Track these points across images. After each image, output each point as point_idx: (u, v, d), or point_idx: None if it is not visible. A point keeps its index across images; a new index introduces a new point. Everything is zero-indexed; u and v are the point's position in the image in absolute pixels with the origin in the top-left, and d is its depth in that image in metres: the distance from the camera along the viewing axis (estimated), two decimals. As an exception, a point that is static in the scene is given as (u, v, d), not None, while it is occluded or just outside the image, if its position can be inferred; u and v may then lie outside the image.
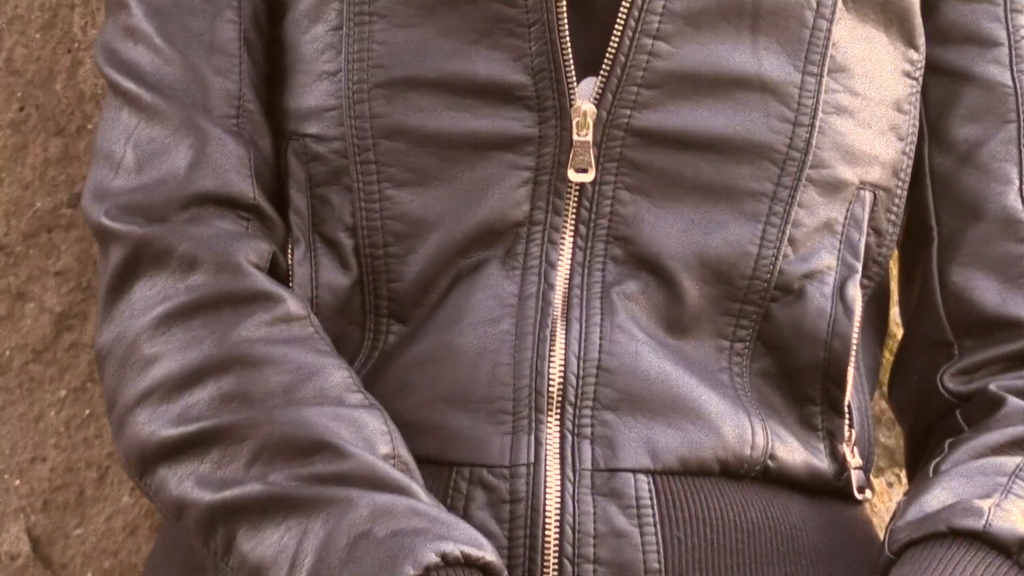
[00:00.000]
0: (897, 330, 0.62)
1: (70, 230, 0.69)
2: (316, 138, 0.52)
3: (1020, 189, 0.55)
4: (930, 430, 0.56)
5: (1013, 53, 0.56)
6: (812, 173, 0.51)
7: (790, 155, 0.50)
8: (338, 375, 0.49)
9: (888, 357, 0.61)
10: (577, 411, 0.49)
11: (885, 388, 0.61)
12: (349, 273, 0.52)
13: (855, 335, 0.52)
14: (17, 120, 0.69)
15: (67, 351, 0.70)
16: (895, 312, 0.62)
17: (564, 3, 0.48)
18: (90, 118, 0.68)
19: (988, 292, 0.54)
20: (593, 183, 0.50)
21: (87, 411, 0.69)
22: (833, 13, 0.50)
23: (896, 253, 0.59)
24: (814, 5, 0.50)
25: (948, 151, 0.56)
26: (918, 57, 0.55)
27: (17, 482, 0.69)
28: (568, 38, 0.48)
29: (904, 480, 0.63)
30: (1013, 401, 0.52)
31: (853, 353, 0.52)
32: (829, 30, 0.50)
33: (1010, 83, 0.55)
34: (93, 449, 0.70)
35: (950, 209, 0.56)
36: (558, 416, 0.49)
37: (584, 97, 0.49)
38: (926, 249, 0.56)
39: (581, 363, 0.50)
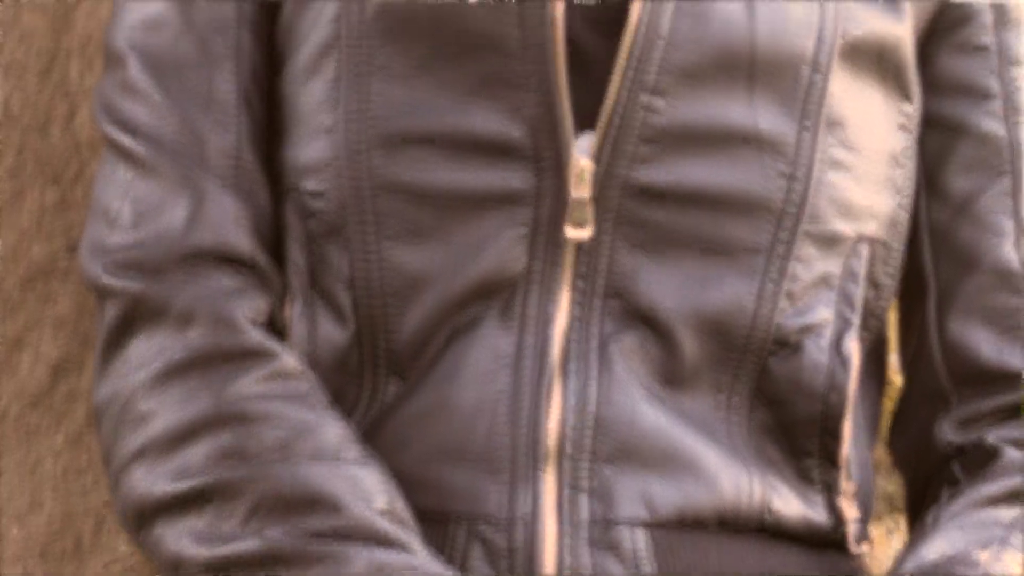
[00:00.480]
0: (897, 378, 0.62)
1: (67, 277, 0.69)
2: (314, 193, 0.52)
3: (1016, 241, 0.55)
4: (929, 480, 0.56)
5: (1007, 105, 0.56)
6: (809, 227, 0.51)
7: (786, 210, 0.51)
8: (335, 430, 0.49)
9: (889, 405, 0.61)
10: (574, 464, 0.49)
11: (887, 433, 0.62)
12: (347, 328, 0.52)
13: (853, 388, 0.52)
14: (14, 167, 0.69)
15: (64, 399, 0.70)
16: (896, 359, 0.62)
17: (562, 58, 0.48)
18: (87, 165, 0.68)
19: (985, 344, 0.55)
20: (591, 238, 0.50)
21: (84, 459, 0.69)
22: (829, 67, 0.51)
23: (895, 303, 0.59)
24: (809, 59, 0.50)
25: (944, 203, 0.56)
26: (913, 110, 0.55)
27: (15, 530, 0.69)
28: (566, 93, 0.48)
29: (903, 527, 0.63)
30: (1010, 452, 0.53)
31: (851, 406, 0.52)
32: (825, 84, 0.51)
33: (1004, 135, 0.56)
34: (90, 497, 0.69)
35: (946, 261, 0.56)
36: (555, 469, 0.49)
37: (581, 152, 0.49)
38: (923, 301, 0.57)
39: (578, 417, 0.50)
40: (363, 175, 0.50)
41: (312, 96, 0.52)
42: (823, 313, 0.52)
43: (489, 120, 0.49)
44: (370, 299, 0.51)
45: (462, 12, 0.49)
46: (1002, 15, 0.56)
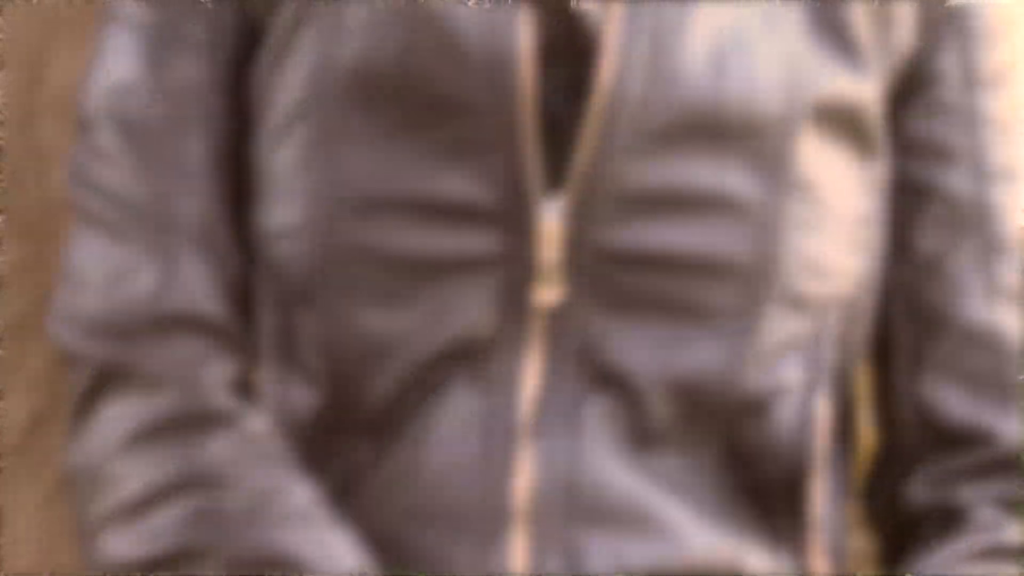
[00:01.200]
0: (871, 436, 0.62)
1: (40, 335, 0.68)
2: (285, 258, 0.52)
3: (984, 301, 0.55)
4: (902, 538, 0.56)
5: (975, 165, 0.56)
6: (778, 289, 0.51)
7: (755, 272, 0.51)
8: (303, 493, 0.49)
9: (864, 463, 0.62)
10: (544, 526, 0.49)
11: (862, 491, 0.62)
12: (318, 391, 0.52)
13: (822, 448, 0.53)
14: (-12, 224, 0.69)
15: (37, 457, 0.69)
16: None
17: (531, 121, 0.48)
18: (61, 222, 0.69)
19: (955, 403, 0.55)
20: (560, 302, 0.50)
21: (57, 518, 0.69)
22: (796, 129, 0.51)
23: (866, 363, 0.59)
24: (777, 121, 0.51)
25: (912, 264, 0.56)
26: (881, 171, 0.55)
27: (-16, 590, 0.68)
28: (535, 157, 0.49)
29: (878, 584, 0.63)
30: (982, 511, 0.53)
31: (821, 465, 0.53)
32: (793, 146, 0.51)
33: (973, 195, 0.56)
34: (62, 556, 0.69)
35: (915, 321, 0.56)
36: (525, 531, 0.49)
37: (551, 216, 0.49)
38: (891, 361, 0.57)
39: (548, 479, 0.50)
40: (333, 241, 0.51)
41: (283, 160, 0.52)
42: (792, 374, 0.52)
43: (458, 184, 0.49)
44: (340, 363, 0.51)
45: (432, 77, 0.49)
46: (971, 74, 0.56)
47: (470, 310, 0.50)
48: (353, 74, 0.50)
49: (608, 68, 0.49)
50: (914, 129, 0.56)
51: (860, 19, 0.53)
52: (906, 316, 0.56)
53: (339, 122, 0.51)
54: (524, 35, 0.48)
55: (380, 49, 0.50)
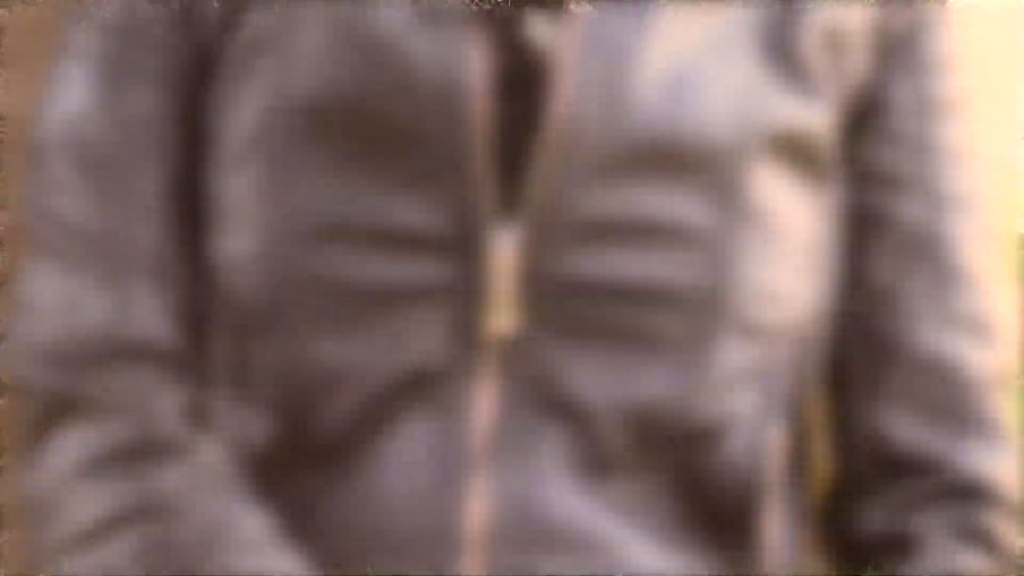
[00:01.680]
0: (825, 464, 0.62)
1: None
2: (239, 287, 0.52)
3: (936, 330, 0.56)
4: (857, 565, 0.56)
5: (928, 193, 0.56)
6: (732, 318, 0.51)
7: (709, 301, 0.51)
8: (256, 523, 0.49)
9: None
10: (498, 555, 0.50)
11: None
12: (272, 421, 0.52)
13: (777, 476, 0.53)
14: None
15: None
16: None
17: (485, 151, 0.49)
18: (13, 253, 0.68)
19: (907, 431, 0.55)
20: (514, 331, 0.50)
21: None
22: (749, 159, 0.51)
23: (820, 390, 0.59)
24: (730, 151, 0.51)
25: (865, 292, 0.56)
26: (835, 199, 0.55)
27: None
28: (488, 186, 0.49)
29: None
30: (934, 539, 0.53)
31: (775, 493, 0.53)
32: (745, 176, 0.51)
33: (925, 224, 0.56)
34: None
35: (867, 350, 0.56)
36: (477, 560, 0.49)
37: (504, 246, 0.49)
38: (845, 389, 0.57)
39: (501, 508, 0.50)
40: (288, 270, 0.51)
41: (237, 189, 0.52)
42: (746, 402, 0.53)
43: (411, 214, 0.50)
44: (294, 393, 0.51)
45: (384, 108, 0.50)
46: (924, 103, 0.57)
47: (423, 340, 0.50)
48: (306, 104, 0.51)
49: (562, 97, 0.49)
50: (867, 157, 0.56)
51: (812, 48, 0.53)
52: (859, 344, 0.56)
53: (293, 152, 0.51)
54: (476, 64, 0.49)
55: (332, 80, 0.50)
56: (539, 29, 0.50)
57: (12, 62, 0.72)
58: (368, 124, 0.50)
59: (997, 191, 0.59)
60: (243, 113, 0.52)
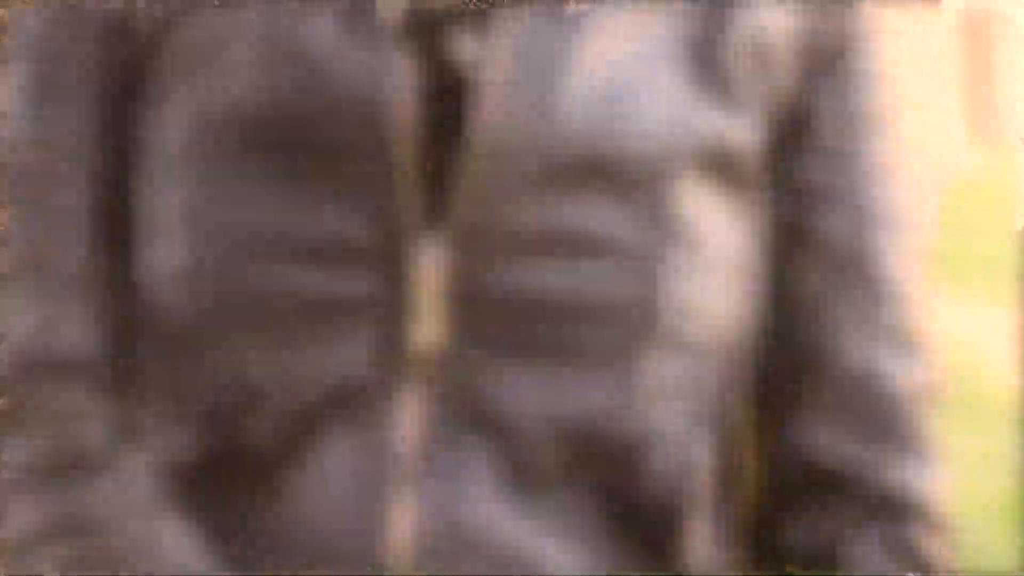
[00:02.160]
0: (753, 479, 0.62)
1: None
2: (168, 302, 0.52)
3: (862, 345, 0.56)
4: None
5: (855, 209, 0.56)
6: (659, 333, 0.51)
7: (636, 316, 0.51)
8: (184, 540, 0.49)
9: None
10: (424, 570, 0.49)
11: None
12: (199, 437, 0.51)
13: (704, 491, 0.53)
14: None
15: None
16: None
17: (410, 164, 0.49)
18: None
19: (833, 447, 0.55)
20: (441, 345, 0.50)
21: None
22: (678, 175, 0.51)
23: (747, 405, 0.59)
24: (659, 167, 0.51)
25: (792, 307, 0.56)
26: (763, 215, 0.55)
27: None
28: (413, 200, 0.49)
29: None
30: (861, 555, 0.54)
31: (704, 508, 0.53)
32: (674, 192, 0.51)
33: (851, 239, 0.56)
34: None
35: (794, 365, 0.56)
36: (407, 573, 0.49)
37: (430, 260, 0.49)
38: (771, 404, 0.57)
39: (429, 525, 0.49)
40: (216, 285, 0.50)
41: (167, 204, 0.52)
42: (673, 417, 0.53)
43: (339, 228, 0.49)
44: (221, 408, 0.51)
45: (314, 122, 0.50)
46: (851, 117, 0.57)
47: (349, 355, 0.50)
48: (235, 118, 0.51)
49: (488, 110, 0.49)
50: (795, 173, 0.57)
51: (739, 63, 0.54)
52: (787, 360, 0.56)
53: (222, 166, 0.51)
54: (402, 79, 0.49)
55: (261, 93, 0.50)
56: (467, 43, 0.50)
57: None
58: (296, 138, 0.50)
59: (925, 206, 0.60)
60: (173, 127, 0.52)
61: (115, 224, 0.53)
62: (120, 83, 0.53)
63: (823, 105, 0.56)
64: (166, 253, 0.51)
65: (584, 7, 0.50)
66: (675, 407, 0.52)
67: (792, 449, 0.56)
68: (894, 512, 0.55)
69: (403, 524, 0.49)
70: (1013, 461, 2.28)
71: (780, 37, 0.55)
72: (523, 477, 0.50)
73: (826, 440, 0.55)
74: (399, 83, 0.49)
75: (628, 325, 0.51)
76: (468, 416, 0.50)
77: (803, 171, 0.56)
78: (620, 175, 0.50)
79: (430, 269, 0.49)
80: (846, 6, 0.56)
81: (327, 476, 0.50)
